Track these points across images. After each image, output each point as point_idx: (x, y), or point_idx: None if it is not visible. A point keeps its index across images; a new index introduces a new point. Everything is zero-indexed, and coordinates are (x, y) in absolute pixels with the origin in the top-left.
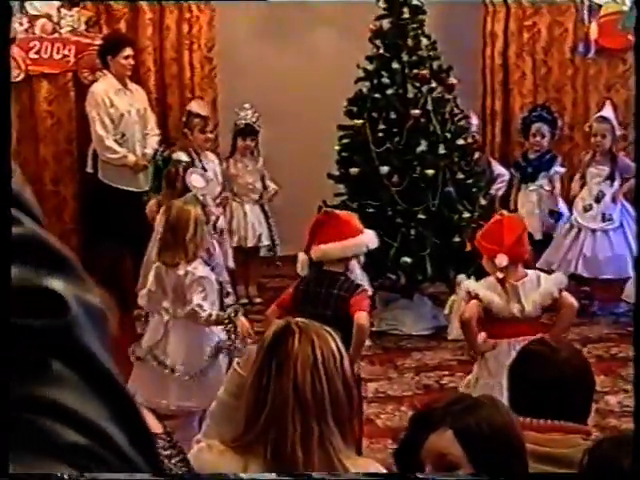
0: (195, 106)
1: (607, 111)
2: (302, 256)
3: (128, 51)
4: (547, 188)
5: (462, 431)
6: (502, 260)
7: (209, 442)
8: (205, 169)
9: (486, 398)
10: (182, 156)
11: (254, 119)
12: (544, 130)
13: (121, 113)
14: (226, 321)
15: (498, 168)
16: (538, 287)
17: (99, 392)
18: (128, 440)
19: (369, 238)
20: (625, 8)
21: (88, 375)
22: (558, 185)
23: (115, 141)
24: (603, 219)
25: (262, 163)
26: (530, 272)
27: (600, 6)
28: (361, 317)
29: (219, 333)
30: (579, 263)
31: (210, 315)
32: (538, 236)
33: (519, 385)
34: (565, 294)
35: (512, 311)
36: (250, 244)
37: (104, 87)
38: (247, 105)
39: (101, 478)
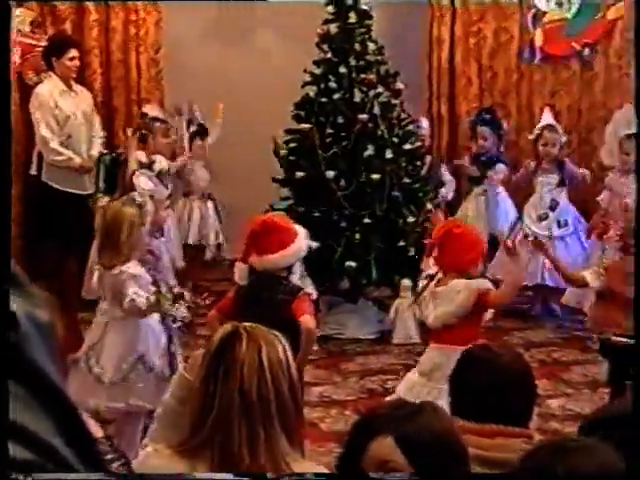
0: (154, 110)
1: (549, 118)
2: (241, 265)
3: (73, 52)
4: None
5: (403, 438)
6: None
7: (156, 447)
8: (153, 170)
9: (427, 404)
10: (142, 157)
11: (203, 120)
12: (487, 133)
13: (67, 115)
14: (168, 302)
15: (446, 174)
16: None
17: (46, 407)
18: (74, 452)
19: (304, 238)
20: (569, 15)
21: (36, 391)
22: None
23: (60, 143)
24: (559, 226)
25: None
26: (456, 282)
27: (545, 13)
28: (307, 321)
29: (160, 335)
30: (545, 273)
31: (148, 299)
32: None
33: (461, 390)
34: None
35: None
36: (193, 241)
37: (49, 88)
38: (196, 106)
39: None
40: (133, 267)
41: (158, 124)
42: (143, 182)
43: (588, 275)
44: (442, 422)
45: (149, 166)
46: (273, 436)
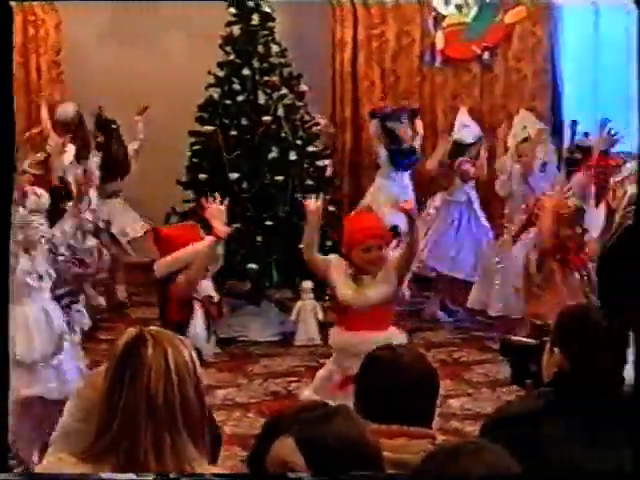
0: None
1: (466, 118)
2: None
3: None
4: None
5: (304, 441)
6: None
7: (60, 455)
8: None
9: (342, 408)
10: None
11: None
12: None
13: None
14: None
15: None
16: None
17: None
18: None
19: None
20: (468, 19)
21: None
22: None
23: None
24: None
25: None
26: None
27: (445, 17)
28: None
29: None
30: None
31: None
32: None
33: (365, 391)
34: None
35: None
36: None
37: None
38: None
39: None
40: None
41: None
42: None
43: None
44: (352, 427)
45: None
46: (179, 441)
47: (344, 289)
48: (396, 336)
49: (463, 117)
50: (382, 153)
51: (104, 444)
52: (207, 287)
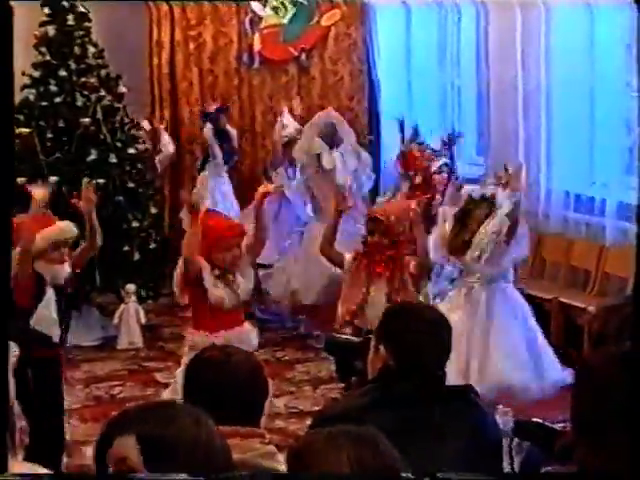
0: None
1: (287, 118)
2: None
3: None
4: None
5: (145, 438)
6: None
7: None
8: None
9: (188, 408)
10: None
11: None
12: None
13: None
14: None
15: None
16: None
17: None
18: None
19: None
20: (284, 21)
21: None
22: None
23: None
24: None
25: None
26: None
27: (261, 18)
28: None
29: None
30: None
31: None
32: None
33: (194, 391)
34: None
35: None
36: None
37: None
38: None
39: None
40: None
41: None
42: None
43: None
44: (200, 428)
45: None
46: None
47: (217, 292)
48: (251, 331)
49: (284, 117)
50: (218, 152)
51: None
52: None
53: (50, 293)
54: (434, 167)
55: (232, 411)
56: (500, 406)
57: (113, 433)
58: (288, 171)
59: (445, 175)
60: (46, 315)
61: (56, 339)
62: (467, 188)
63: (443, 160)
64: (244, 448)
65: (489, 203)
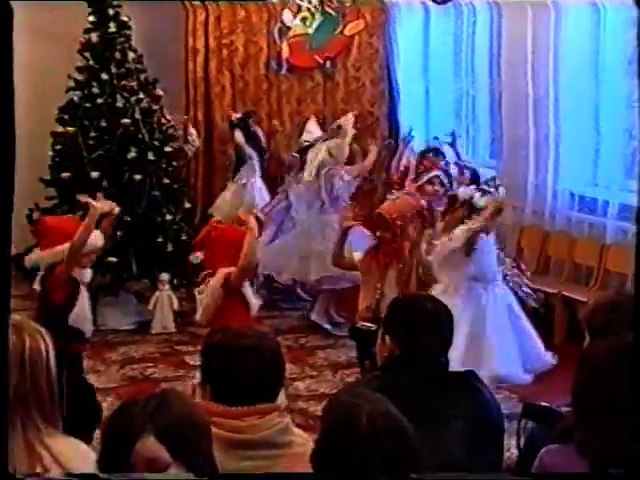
0: None
1: (312, 125)
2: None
3: None
4: (242, 181)
5: (162, 433)
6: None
7: None
8: None
9: (170, 392)
10: None
11: None
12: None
13: None
14: None
15: None
16: None
17: None
18: None
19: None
20: (310, 31)
21: None
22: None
23: None
24: None
25: None
26: None
27: (289, 28)
28: None
29: None
30: None
31: None
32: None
33: (213, 375)
34: None
35: None
36: None
37: None
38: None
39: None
40: None
41: None
42: None
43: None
44: (190, 407)
45: None
46: (29, 419)
47: (255, 301)
48: None
49: (310, 125)
50: (252, 153)
51: None
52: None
53: (84, 292)
54: (425, 178)
55: (249, 391)
56: (506, 392)
57: (130, 438)
58: (298, 175)
59: (437, 188)
60: (81, 313)
61: (88, 334)
62: (460, 190)
63: (434, 173)
64: (264, 426)
65: (470, 206)
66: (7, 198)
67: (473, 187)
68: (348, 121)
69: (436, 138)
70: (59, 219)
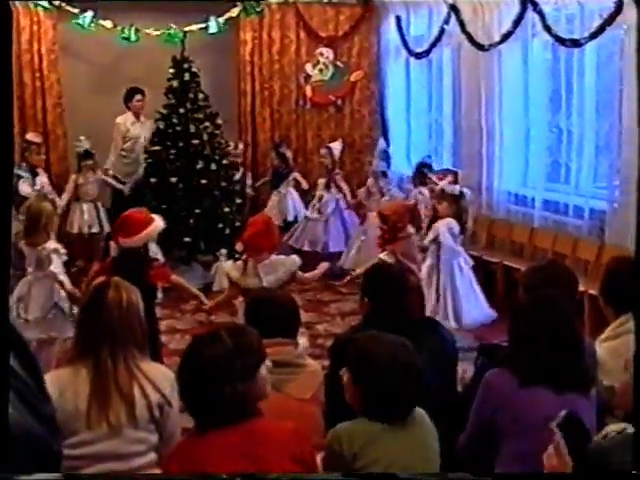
0: (32, 136)
1: (336, 144)
2: (112, 244)
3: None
4: (283, 191)
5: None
6: (239, 246)
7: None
8: (34, 181)
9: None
10: (20, 172)
11: (89, 146)
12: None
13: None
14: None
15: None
16: (277, 267)
17: None
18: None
19: (158, 224)
20: (326, 78)
21: None
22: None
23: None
24: (319, 212)
25: (100, 175)
26: (273, 257)
27: (310, 76)
28: (176, 278)
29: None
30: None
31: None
32: (280, 222)
33: (252, 318)
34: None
35: (247, 283)
36: (76, 231)
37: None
38: (82, 137)
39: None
40: (51, 244)
41: (34, 146)
42: (23, 188)
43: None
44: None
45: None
46: (127, 349)
47: None
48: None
49: (335, 144)
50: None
51: (77, 353)
52: (157, 254)
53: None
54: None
55: (276, 329)
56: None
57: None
58: None
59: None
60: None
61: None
62: (442, 183)
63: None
64: (283, 352)
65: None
66: (5, 190)
67: (457, 185)
68: (337, 144)
69: (429, 156)
70: (135, 212)
